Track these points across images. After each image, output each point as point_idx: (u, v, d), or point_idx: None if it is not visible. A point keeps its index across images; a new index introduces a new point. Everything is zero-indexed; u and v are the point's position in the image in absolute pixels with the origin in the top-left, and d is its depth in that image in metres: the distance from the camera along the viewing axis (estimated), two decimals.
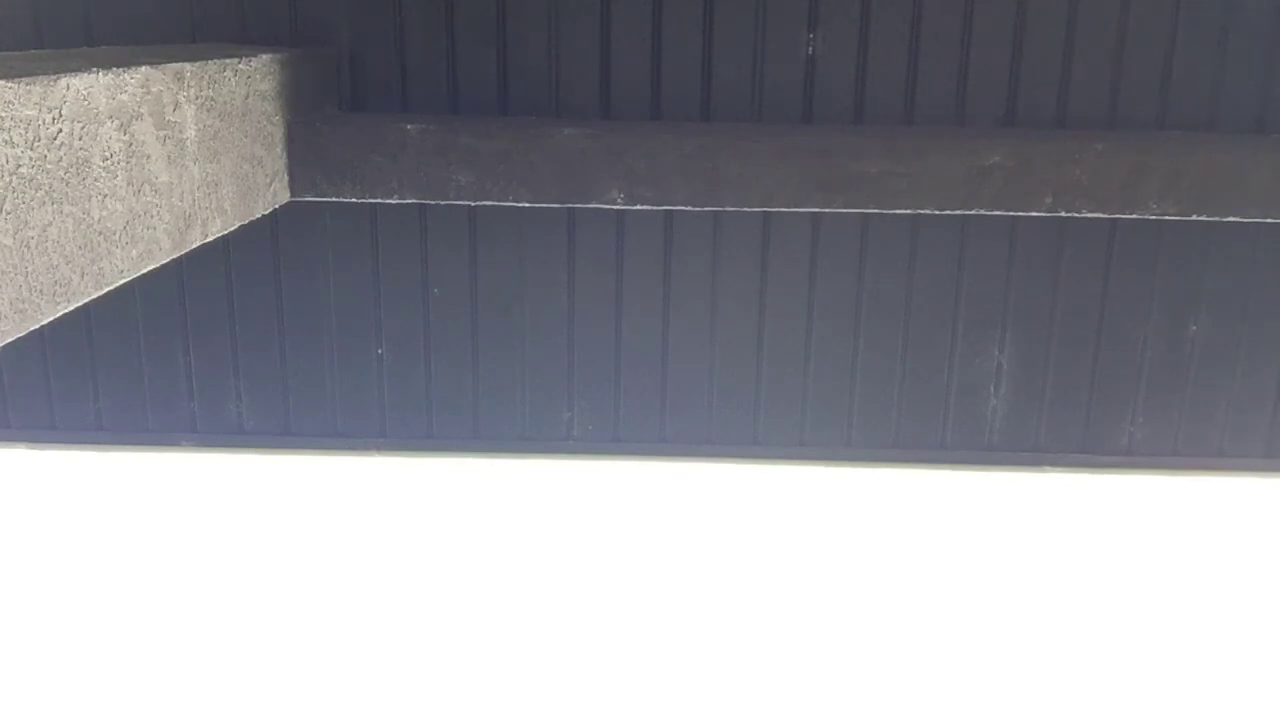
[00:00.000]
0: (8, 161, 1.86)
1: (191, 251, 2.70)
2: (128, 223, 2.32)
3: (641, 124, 3.89)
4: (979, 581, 7.13)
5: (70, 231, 2.08)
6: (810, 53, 3.90)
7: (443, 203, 3.58)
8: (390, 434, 4.37)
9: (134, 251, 2.36)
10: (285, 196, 3.42)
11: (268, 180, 3.24)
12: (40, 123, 1.97)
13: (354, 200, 3.52)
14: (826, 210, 3.60)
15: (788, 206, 3.57)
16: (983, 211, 3.56)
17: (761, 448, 4.38)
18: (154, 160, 2.43)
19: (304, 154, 3.43)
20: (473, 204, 3.73)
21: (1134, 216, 3.61)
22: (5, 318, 1.88)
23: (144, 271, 2.42)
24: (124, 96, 2.29)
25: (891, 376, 4.28)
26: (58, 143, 2.02)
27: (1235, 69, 3.88)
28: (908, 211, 3.59)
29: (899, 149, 3.52)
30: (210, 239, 2.79)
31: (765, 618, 7.35)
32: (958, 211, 3.56)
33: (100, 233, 2.20)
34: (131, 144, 2.32)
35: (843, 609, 7.30)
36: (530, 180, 3.51)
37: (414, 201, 3.61)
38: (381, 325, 4.24)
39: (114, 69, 2.25)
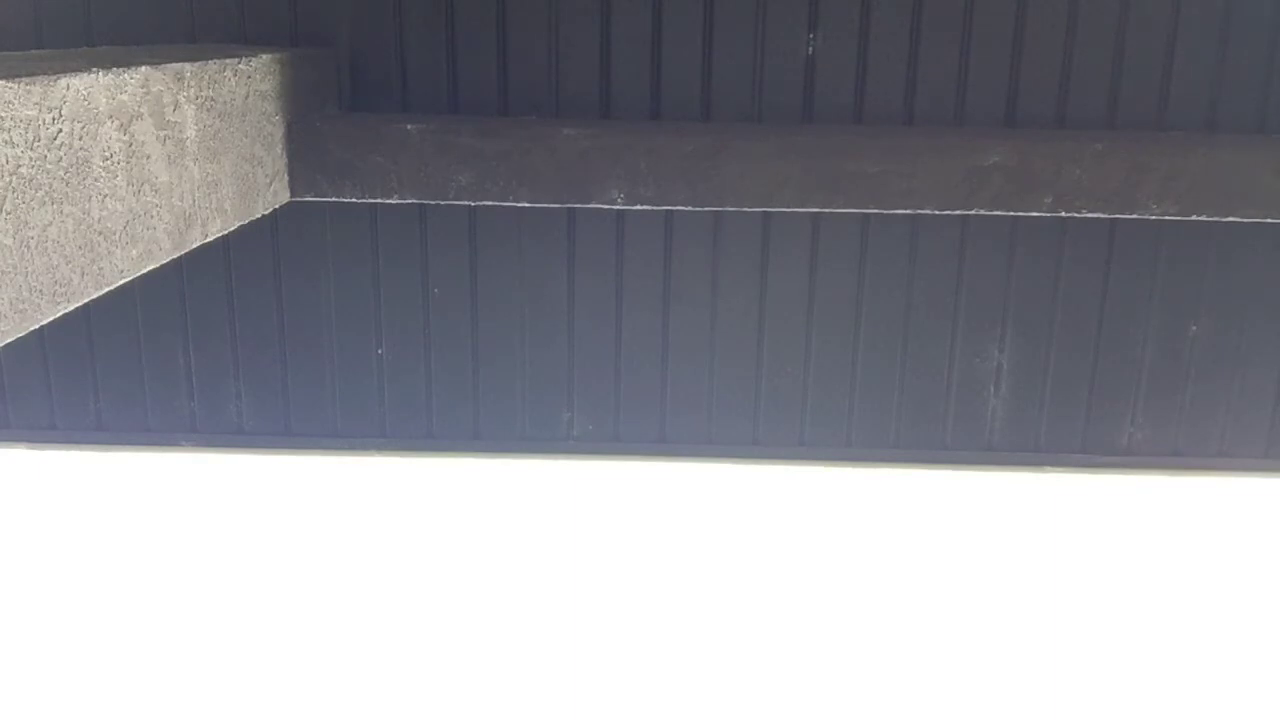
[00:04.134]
0: (8, 161, 1.86)
1: (191, 251, 2.70)
2: (128, 223, 2.32)
3: (641, 124, 3.89)
4: (979, 581, 7.13)
5: (70, 231, 2.08)
6: (810, 53, 3.90)
7: (443, 203, 3.58)
8: (390, 434, 4.37)
9: (134, 251, 2.36)
10: (285, 196, 3.42)
11: (268, 180, 3.24)
12: (40, 123, 1.97)
13: (354, 200, 3.52)
14: (826, 210, 3.60)
15: (788, 206, 3.57)
16: (983, 211, 3.56)
17: (761, 448, 4.38)
18: (154, 160, 2.43)
19: (304, 154, 3.43)
20: (473, 204, 3.73)
21: (1134, 216, 3.61)
22: (5, 318, 1.88)
23: (144, 271, 2.42)
24: (124, 96, 2.29)
25: (891, 376, 4.28)
26: (58, 143, 2.02)
27: (1235, 69, 3.88)
28: (908, 211, 3.59)
29: (899, 149, 3.52)
30: (210, 239, 2.79)
31: (765, 618, 7.35)
32: (958, 211, 3.57)
33: (100, 233, 2.20)
34: (131, 144, 2.32)
35: (843, 609, 7.30)
36: (530, 180, 3.51)
37: (414, 201, 3.61)
38: (381, 325, 4.24)
39: (114, 69, 2.25)
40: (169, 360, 4.29)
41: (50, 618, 7.32)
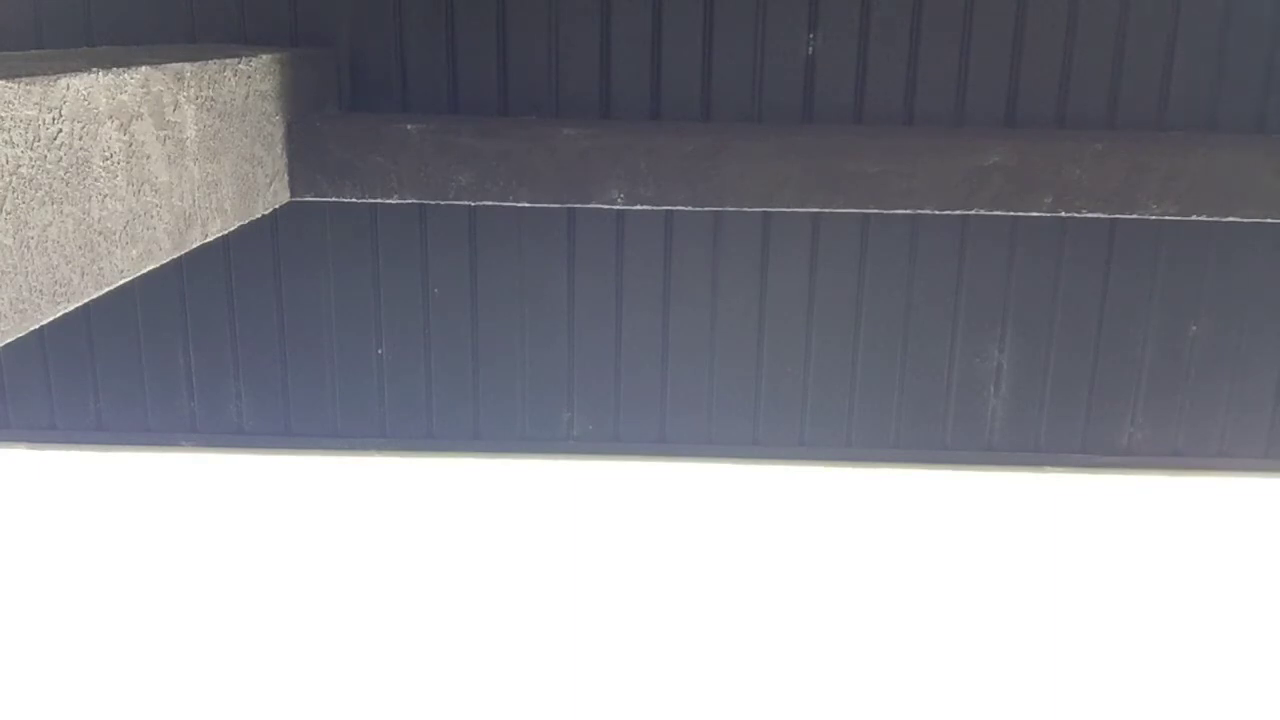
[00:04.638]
0: (8, 161, 1.86)
1: (191, 251, 2.70)
2: (128, 223, 2.32)
3: (641, 124, 3.89)
4: (979, 581, 7.13)
5: (70, 231, 2.08)
6: (810, 53, 3.90)
7: (443, 203, 3.58)
8: (390, 434, 4.37)
9: (134, 251, 2.36)
10: (285, 196, 3.42)
11: (268, 180, 3.24)
12: (40, 123, 1.97)
13: (354, 200, 3.52)
14: (826, 210, 3.60)
15: (788, 206, 3.57)
16: (983, 211, 3.56)
17: (761, 448, 4.38)
18: (154, 160, 2.43)
19: (304, 154, 3.43)
20: (473, 204, 3.73)
21: (1134, 216, 3.61)
22: (5, 318, 1.88)
23: (144, 271, 2.42)
24: (124, 96, 2.29)
25: (891, 376, 4.28)
26: (58, 143, 2.02)
27: (1235, 69, 3.88)
28: (908, 211, 3.59)
29: (899, 149, 3.52)
30: (210, 239, 2.79)
31: (766, 618, 7.35)
32: (958, 211, 3.57)
33: (100, 233, 2.20)
34: (131, 144, 2.32)
35: (843, 609, 7.30)
36: (530, 180, 3.51)
37: (414, 201, 3.61)
38: (381, 325, 4.24)
39: (114, 69, 2.25)
40: (169, 360, 4.29)
41: (50, 618, 7.32)
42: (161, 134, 2.46)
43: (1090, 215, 3.59)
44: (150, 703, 7.34)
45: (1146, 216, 3.60)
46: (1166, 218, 3.60)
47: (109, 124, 2.22)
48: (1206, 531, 6.53)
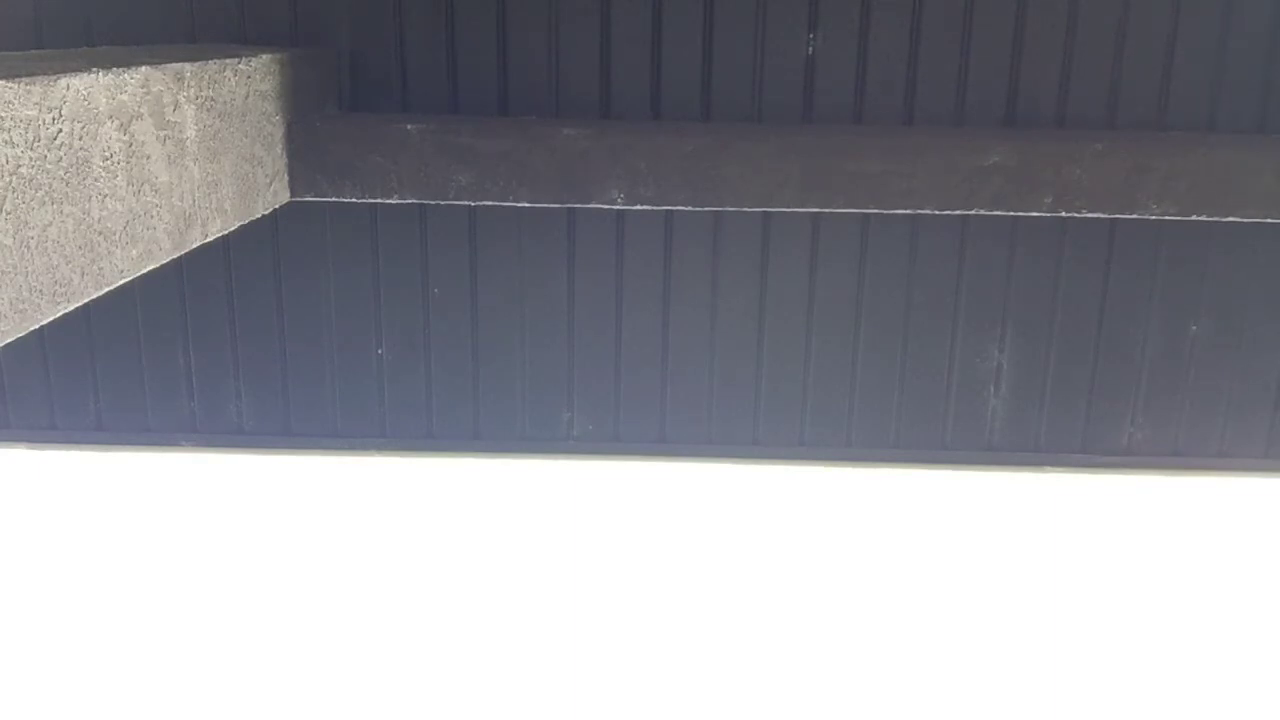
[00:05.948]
0: (8, 161, 1.86)
1: (191, 251, 2.70)
2: (128, 223, 2.32)
3: (641, 124, 3.89)
4: (979, 581, 7.13)
5: (70, 231, 2.08)
6: (810, 53, 3.90)
7: (443, 203, 3.58)
8: (390, 434, 4.37)
9: (134, 251, 2.36)
10: (285, 196, 3.42)
11: (268, 180, 3.24)
12: (40, 123, 1.97)
13: (354, 200, 3.52)
14: (826, 210, 3.60)
15: (788, 206, 3.57)
16: (983, 211, 3.56)
17: (761, 448, 4.38)
18: (154, 160, 2.43)
19: (304, 154, 3.43)
20: (473, 204, 3.73)
21: (1134, 216, 3.61)
22: (5, 318, 1.88)
23: (144, 271, 2.42)
24: (124, 96, 2.29)
25: (891, 376, 4.28)
26: (58, 143, 2.02)
27: (1235, 69, 3.88)
28: (908, 211, 3.59)
29: (899, 149, 3.52)
30: (210, 239, 2.79)
31: (766, 618, 7.35)
32: (958, 211, 3.57)
33: (100, 233, 2.20)
34: (131, 144, 2.32)
35: (843, 609, 7.30)
36: (530, 180, 3.51)
37: (414, 201, 3.61)
38: (381, 325, 4.24)
39: (114, 69, 2.25)
40: (169, 360, 4.29)
41: (50, 618, 7.32)
42: (161, 134, 2.46)
43: (1090, 215, 3.59)
44: (150, 703, 7.34)
45: (1146, 216, 3.60)
46: (1166, 218, 3.60)
47: (109, 124, 2.22)
48: (1206, 531, 6.53)
